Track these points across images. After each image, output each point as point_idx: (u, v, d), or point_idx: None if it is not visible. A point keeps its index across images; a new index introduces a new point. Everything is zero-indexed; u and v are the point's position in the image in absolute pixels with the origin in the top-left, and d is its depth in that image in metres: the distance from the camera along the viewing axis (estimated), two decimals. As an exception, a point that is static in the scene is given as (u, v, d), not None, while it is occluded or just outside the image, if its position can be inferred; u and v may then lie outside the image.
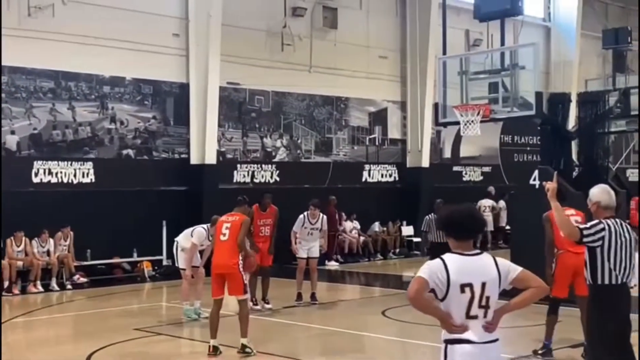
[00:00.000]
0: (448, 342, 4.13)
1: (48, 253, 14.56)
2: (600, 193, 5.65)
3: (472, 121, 12.78)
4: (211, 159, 17.23)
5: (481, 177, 23.31)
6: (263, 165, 18.67)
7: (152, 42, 16.48)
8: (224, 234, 8.84)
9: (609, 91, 15.40)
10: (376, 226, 20.20)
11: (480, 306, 4.10)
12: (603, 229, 5.47)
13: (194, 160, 17.17)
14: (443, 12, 14.50)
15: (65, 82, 15.68)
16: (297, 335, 10.35)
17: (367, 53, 20.40)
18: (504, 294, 4.31)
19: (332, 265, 18.16)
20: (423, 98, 20.99)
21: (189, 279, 10.93)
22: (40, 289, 14.15)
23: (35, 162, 15.16)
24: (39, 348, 9.73)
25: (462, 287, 4.07)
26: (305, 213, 12.45)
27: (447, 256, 4.14)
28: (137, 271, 16.03)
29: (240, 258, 8.76)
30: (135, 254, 16.13)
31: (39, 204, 14.69)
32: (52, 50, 15.13)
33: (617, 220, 5.59)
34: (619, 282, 5.48)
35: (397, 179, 21.43)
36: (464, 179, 23.01)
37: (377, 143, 21.07)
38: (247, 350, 8.55)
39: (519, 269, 4.21)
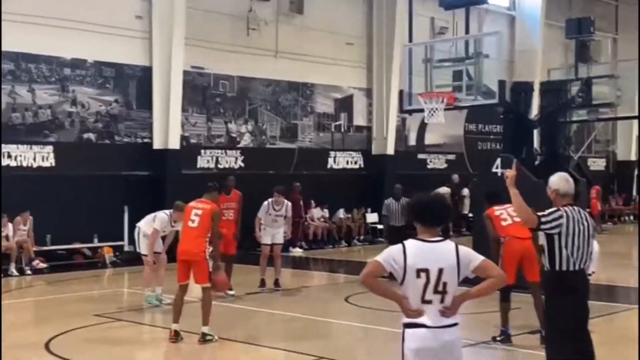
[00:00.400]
0: (405, 325, 4.26)
1: (7, 238, 14.31)
2: (558, 180, 5.71)
3: (437, 109, 12.85)
4: (174, 144, 17.06)
5: (445, 165, 23.48)
6: (227, 151, 18.54)
7: (114, 24, 16.22)
8: (193, 221, 8.75)
9: (572, 80, 15.55)
10: (341, 213, 20.23)
11: (436, 291, 4.20)
12: (561, 216, 5.52)
13: (157, 145, 16.98)
14: (409, -1, 14.50)
15: (25, 64, 15.37)
16: (259, 322, 10.33)
17: (333, 39, 20.34)
18: (470, 282, 4.35)
19: (297, 252, 18.16)
20: (389, 85, 21.04)
21: (151, 265, 10.82)
22: (-1, 274, 13.92)
23: (-7, 146, 14.87)
24: (-4, 334, 9.56)
25: (418, 272, 4.19)
26: (270, 200, 12.41)
27: (408, 241, 4.27)
28: (97, 257, 15.84)
29: (208, 247, 8.70)
30: (96, 240, 15.94)
31: (-3, 188, 14.42)
32: (11, 31, 14.77)
33: (575, 207, 5.64)
34: (577, 268, 5.54)
35: (362, 166, 21.46)
36: (429, 166, 23.14)
37: (342, 130, 21.07)
38: (208, 338, 8.51)
39: (480, 258, 4.30)
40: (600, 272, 12.53)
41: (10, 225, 14.40)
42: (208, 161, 18.14)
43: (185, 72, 17.28)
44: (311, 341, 8.88)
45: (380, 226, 20.10)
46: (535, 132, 14.18)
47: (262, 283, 12.35)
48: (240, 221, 11.92)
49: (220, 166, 18.25)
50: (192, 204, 8.98)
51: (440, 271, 4.18)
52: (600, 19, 23.01)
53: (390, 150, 21.46)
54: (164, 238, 10.99)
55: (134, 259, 13.76)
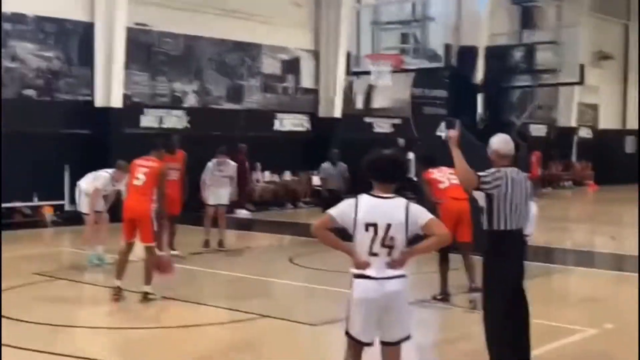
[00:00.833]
0: (354, 276, 4.48)
1: (-58, 196, 13.93)
2: (498, 142, 5.82)
3: (384, 71, 12.89)
4: (117, 102, 16.71)
5: (392, 129, 23.59)
6: (172, 111, 18.27)
7: (55, -22, 15.72)
8: (138, 178, 8.61)
9: (516, 46, 15.77)
10: (287, 175, 20.22)
11: (383, 245, 4.42)
12: (501, 177, 5.62)
13: (99, 103, 16.61)
14: (357, -40, 14.41)
15: (-39, 17, 14.81)
16: (203, 282, 10.32)
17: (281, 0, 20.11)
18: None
19: (243, 213, 18.12)
20: (336, 47, 20.94)
21: (92, 224, 10.67)
22: None
23: None
24: None
25: (367, 226, 4.43)
26: (214, 160, 12.32)
27: (361, 196, 4.52)
28: (38, 216, 15.55)
29: (154, 205, 8.59)
30: (36, 199, 15.62)
31: None
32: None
33: (515, 169, 5.76)
34: (514, 227, 5.67)
35: (309, 128, 21.43)
36: (375, 130, 23.23)
37: (289, 92, 20.95)
38: (151, 297, 8.46)
39: (429, 217, 4.53)
40: (538, 234, 12.85)
41: (-55, 183, 14.00)
42: (152, 120, 17.86)
43: (129, 29, 16.87)
44: (254, 300, 8.92)
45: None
46: (480, 97, 14.38)
47: (206, 244, 12.32)
48: (186, 181, 11.81)
49: (164, 126, 17.96)
50: (138, 161, 8.82)
51: (389, 226, 4.40)
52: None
53: (337, 113, 21.46)
54: (105, 197, 10.83)
55: (75, 218, 13.53)
